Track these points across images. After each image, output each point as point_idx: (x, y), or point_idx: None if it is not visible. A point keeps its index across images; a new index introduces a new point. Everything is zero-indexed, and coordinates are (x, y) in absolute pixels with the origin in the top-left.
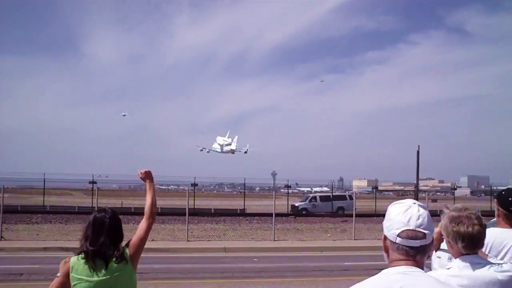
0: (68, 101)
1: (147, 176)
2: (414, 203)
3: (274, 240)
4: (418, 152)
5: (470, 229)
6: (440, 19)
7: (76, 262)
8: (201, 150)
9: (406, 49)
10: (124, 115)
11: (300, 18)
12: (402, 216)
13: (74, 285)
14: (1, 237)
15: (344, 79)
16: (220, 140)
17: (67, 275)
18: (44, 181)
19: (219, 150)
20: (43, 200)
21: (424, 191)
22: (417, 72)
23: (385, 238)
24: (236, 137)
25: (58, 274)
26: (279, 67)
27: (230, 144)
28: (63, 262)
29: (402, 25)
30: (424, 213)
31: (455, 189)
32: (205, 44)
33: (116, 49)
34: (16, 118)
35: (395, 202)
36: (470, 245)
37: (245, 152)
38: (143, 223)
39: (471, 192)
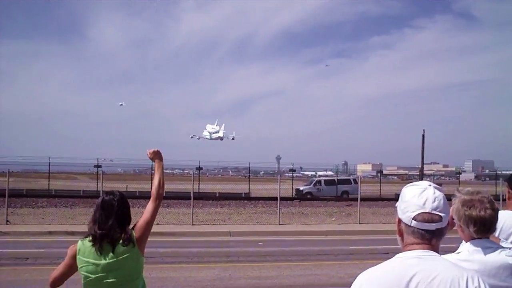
0: (73, 86)
1: (156, 155)
2: (430, 185)
3: (279, 224)
4: (423, 136)
5: (482, 213)
6: (446, 3)
7: (83, 245)
8: (192, 137)
9: (412, 34)
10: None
11: (306, 3)
12: (418, 198)
13: (81, 267)
14: (7, 221)
15: (349, 64)
16: (209, 127)
17: (73, 257)
18: (49, 165)
19: (209, 137)
20: (48, 184)
21: (429, 176)
22: (423, 57)
23: (399, 221)
24: (223, 125)
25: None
26: (284, 52)
27: (218, 132)
28: (72, 246)
29: (408, 10)
30: (440, 195)
31: (460, 173)
32: (210, 29)
33: (122, 33)
34: (21, 102)
35: (409, 184)
36: (482, 229)
37: (233, 139)
38: (149, 205)
39: (476, 177)
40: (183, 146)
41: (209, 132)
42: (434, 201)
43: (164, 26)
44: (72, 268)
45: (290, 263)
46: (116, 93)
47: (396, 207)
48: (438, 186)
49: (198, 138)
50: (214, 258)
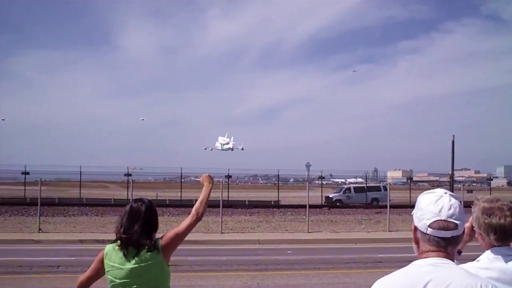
0: (102, 94)
1: (206, 180)
2: (445, 193)
3: (308, 232)
4: (453, 142)
5: (502, 220)
6: (475, 6)
7: (111, 249)
8: (205, 149)
9: (440, 38)
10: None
11: (333, 8)
12: (433, 206)
13: (108, 271)
14: (39, 229)
15: (377, 69)
16: (221, 139)
17: (101, 261)
18: (81, 174)
19: (220, 148)
20: (80, 192)
21: (460, 182)
22: (452, 61)
23: (415, 229)
24: (232, 137)
25: None
26: (311, 58)
27: (228, 143)
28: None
29: (436, 14)
30: (455, 203)
31: (491, 179)
32: (237, 36)
33: (150, 41)
34: (52, 112)
35: (425, 192)
36: (502, 237)
37: (242, 149)
38: (186, 220)
39: (508, 183)
40: (212, 154)
41: (220, 143)
42: (449, 209)
43: (192, 34)
44: (99, 272)
45: (318, 271)
46: (145, 101)
47: (412, 215)
48: (454, 194)
49: (211, 149)
50: (243, 266)
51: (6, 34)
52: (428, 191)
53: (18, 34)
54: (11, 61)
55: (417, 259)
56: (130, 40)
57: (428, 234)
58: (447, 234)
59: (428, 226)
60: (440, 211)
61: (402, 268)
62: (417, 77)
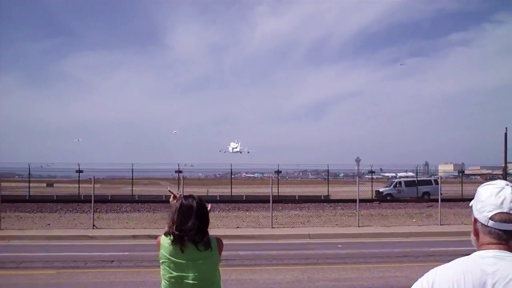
0: (152, 93)
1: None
2: (507, 185)
3: (359, 226)
4: (505, 134)
5: None
6: None
7: (166, 241)
8: (220, 151)
9: (491, 29)
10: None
11: (382, 2)
12: (495, 198)
13: (163, 262)
14: (93, 225)
15: (427, 62)
16: (232, 145)
17: (158, 248)
18: (132, 172)
19: (231, 151)
20: (132, 189)
21: None
22: (504, 52)
23: (475, 221)
24: (240, 142)
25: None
26: (360, 52)
27: (237, 148)
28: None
29: (487, 4)
30: None
31: None
32: (285, 32)
33: (198, 40)
34: (104, 111)
35: (485, 183)
36: None
37: (248, 152)
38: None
39: None
40: (262, 151)
41: (232, 148)
42: None
43: (239, 31)
44: None
45: (369, 265)
46: (194, 99)
47: (470, 207)
48: None
49: (224, 152)
50: (293, 260)
51: (58, 36)
52: (488, 182)
53: (70, 36)
54: (63, 62)
55: (474, 252)
56: (178, 40)
57: (489, 227)
58: (510, 227)
59: (489, 218)
60: (502, 203)
61: (461, 258)
62: (468, 70)
